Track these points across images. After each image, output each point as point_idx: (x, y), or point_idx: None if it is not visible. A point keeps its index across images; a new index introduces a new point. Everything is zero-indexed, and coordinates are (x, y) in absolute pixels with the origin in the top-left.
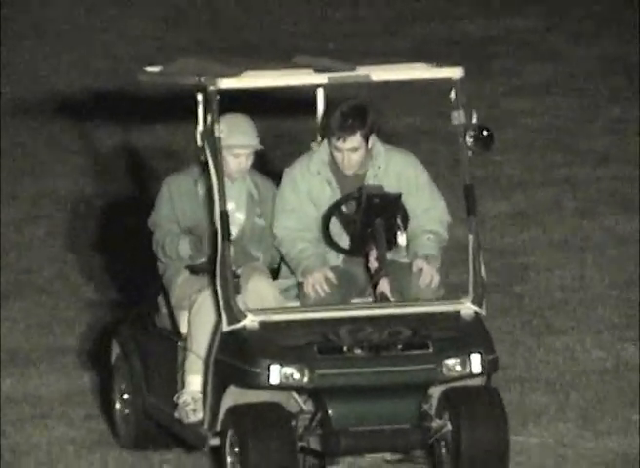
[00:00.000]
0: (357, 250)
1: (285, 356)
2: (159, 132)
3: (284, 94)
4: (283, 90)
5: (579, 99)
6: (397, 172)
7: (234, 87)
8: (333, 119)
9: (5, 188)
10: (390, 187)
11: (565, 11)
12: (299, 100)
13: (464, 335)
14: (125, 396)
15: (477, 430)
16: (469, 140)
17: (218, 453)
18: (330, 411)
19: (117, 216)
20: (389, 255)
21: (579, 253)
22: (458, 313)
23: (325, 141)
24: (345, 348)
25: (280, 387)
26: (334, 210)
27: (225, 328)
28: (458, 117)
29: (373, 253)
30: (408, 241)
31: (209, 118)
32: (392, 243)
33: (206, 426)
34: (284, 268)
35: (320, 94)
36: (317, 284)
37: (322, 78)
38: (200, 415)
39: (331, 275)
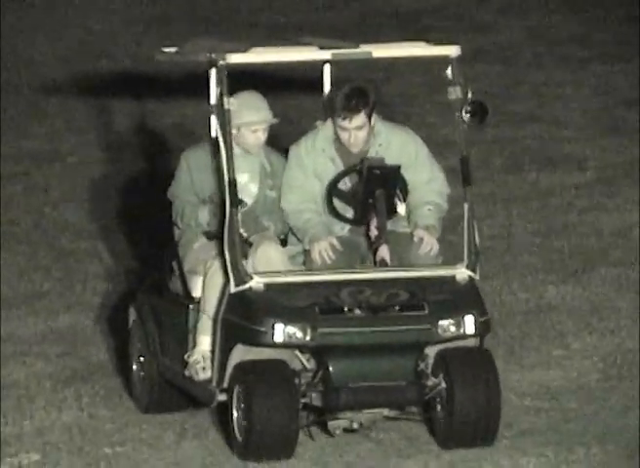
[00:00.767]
0: (359, 219)
1: (288, 315)
2: (174, 110)
3: (290, 73)
4: (289, 70)
5: (505, 66)
6: (398, 147)
7: (242, 62)
8: (337, 100)
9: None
10: (392, 162)
11: None
12: (304, 80)
13: (459, 298)
14: (141, 359)
15: (469, 389)
16: (465, 115)
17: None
18: (331, 368)
19: (87, 170)
20: (391, 225)
21: (505, 205)
22: (453, 277)
23: (329, 120)
24: (346, 309)
25: (284, 345)
26: (337, 181)
27: (233, 289)
28: (454, 92)
29: (374, 222)
30: (408, 211)
31: (218, 92)
32: (392, 212)
33: (214, 383)
34: (292, 238)
35: (326, 71)
36: (323, 250)
37: (326, 54)
38: (209, 373)
39: (336, 242)
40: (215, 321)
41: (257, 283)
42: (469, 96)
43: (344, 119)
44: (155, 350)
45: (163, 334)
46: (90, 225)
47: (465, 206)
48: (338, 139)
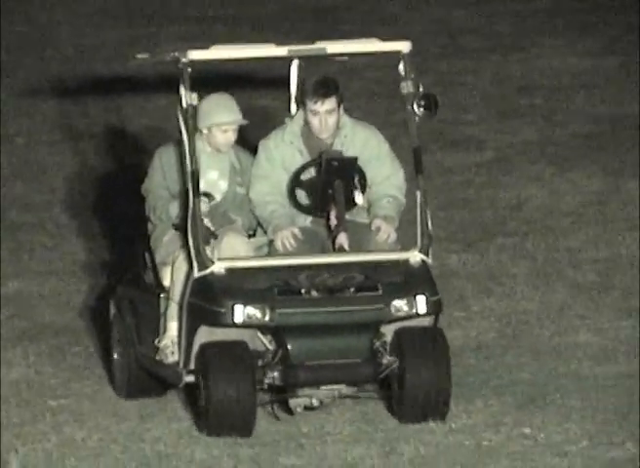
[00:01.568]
0: (319, 209)
1: (248, 297)
2: (149, 111)
3: (258, 74)
4: (257, 70)
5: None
6: (361, 141)
7: (203, 58)
8: (309, 86)
9: None
10: (355, 155)
11: None
12: (271, 80)
13: (411, 280)
14: (120, 349)
15: (419, 366)
16: (417, 108)
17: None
18: (289, 347)
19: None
20: (351, 216)
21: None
22: (406, 261)
23: (297, 115)
24: (303, 290)
25: (243, 325)
26: (300, 173)
27: (196, 274)
28: (406, 87)
29: (333, 212)
30: (369, 202)
31: (182, 88)
32: (351, 202)
33: (181, 365)
34: (259, 231)
35: (294, 68)
36: (285, 239)
37: (283, 51)
38: (177, 356)
39: (297, 232)
40: (180, 305)
41: (218, 268)
42: (421, 89)
43: (316, 102)
44: (132, 340)
45: (139, 324)
46: (35, 200)
47: (418, 193)
48: (305, 133)
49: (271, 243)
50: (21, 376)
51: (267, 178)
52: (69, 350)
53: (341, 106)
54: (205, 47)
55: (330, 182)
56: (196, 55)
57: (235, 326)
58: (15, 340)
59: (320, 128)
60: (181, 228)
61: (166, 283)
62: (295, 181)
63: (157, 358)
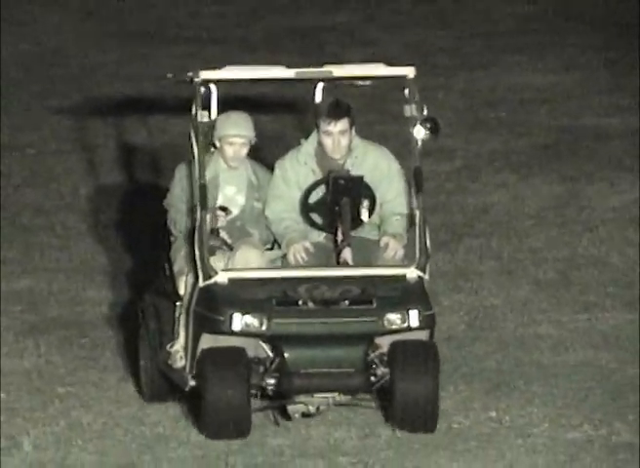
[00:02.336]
0: (328, 225)
1: (246, 306)
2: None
3: (280, 99)
4: (280, 96)
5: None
6: (372, 162)
7: (214, 78)
8: (323, 108)
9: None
10: (365, 175)
11: (379, 5)
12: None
13: (405, 294)
14: (145, 354)
15: (408, 379)
16: (423, 130)
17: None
18: (286, 355)
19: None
20: (362, 233)
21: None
22: (404, 276)
23: (311, 137)
24: (300, 302)
25: (242, 333)
26: (310, 191)
27: (201, 283)
28: (410, 110)
29: (340, 228)
30: (380, 220)
31: (194, 106)
32: (357, 219)
33: (187, 370)
34: (276, 246)
35: (318, 92)
36: (297, 253)
37: (290, 73)
38: (184, 361)
39: (309, 246)
40: (187, 313)
41: (222, 278)
42: (425, 112)
43: (329, 123)
44: (155, 346)
45: (161, 331)
46: (45, 205)
47: (417, 212)
48: (319, 153)
49: (285, 256)
50: (33, 366)
51: (282, 197)
52: (76, 342)
53: (354, 128)
54: (217, 67)
55: (337, 200)
56: (207, 75)
57: (233, 334)
58: (26, 333)
59: (333, 148)
60: (189, 240)
61: (181, 292)
62: (306, 199)
63: (169, 362)
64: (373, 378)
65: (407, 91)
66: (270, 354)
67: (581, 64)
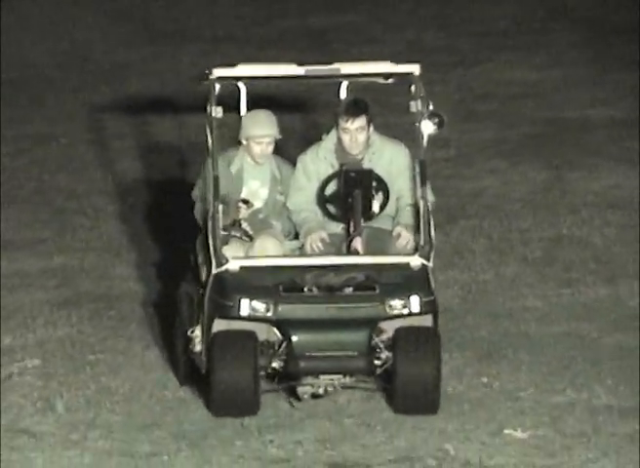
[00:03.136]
0: (342, 216)
1: (254, 292)
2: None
3: (303, 95)
4: (302, 92)
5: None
6: (389, 157)
7: (228, 75)
8: (341, 106)
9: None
10: (383, 170)
11: (383, 6)
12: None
13: (408, 281)
14: (179, 339)
15: (410, 363)
16: (430, 125)
17: None
18: (293, 339)
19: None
20: (377, 223)
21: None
22: (408, 264)
23: (331, 132)
24: (306, 288)
25: (249, 318)
26: (326, 184)
27: (214, 271)
28: (415, 106)
29: (352, 218)
30: (396, 211)
31: (209, 102)
32: (369, 210)
33: (203, 353)
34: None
35: (343, 90)
36: (314, 242)
37: (300, 70)
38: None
39: (325, 236)
40: (202, 299)
41: (233, 265)
42: (431, 108)
43: (347, 121)
44: (186, 332)
45: (191, 317)
46: (77, 189)
47: (421, 202)
48: (338, 149)
49: (302, 246)
50: (66, 335)
51: (303, 190)
52: (105, 314)
53: (371, 125)
54: (232, 65)
55: (349, 192)
56: (221, 72)
57: (241, 318)
58: (60, 305)
59: (351, 144)
60: (203, 229)
61: (204, 279)
62: (322, 191)
63: (190, 346)
64: (377, 362)
65: (413, 87)
66: (280, 337)
67: (566, 61)
